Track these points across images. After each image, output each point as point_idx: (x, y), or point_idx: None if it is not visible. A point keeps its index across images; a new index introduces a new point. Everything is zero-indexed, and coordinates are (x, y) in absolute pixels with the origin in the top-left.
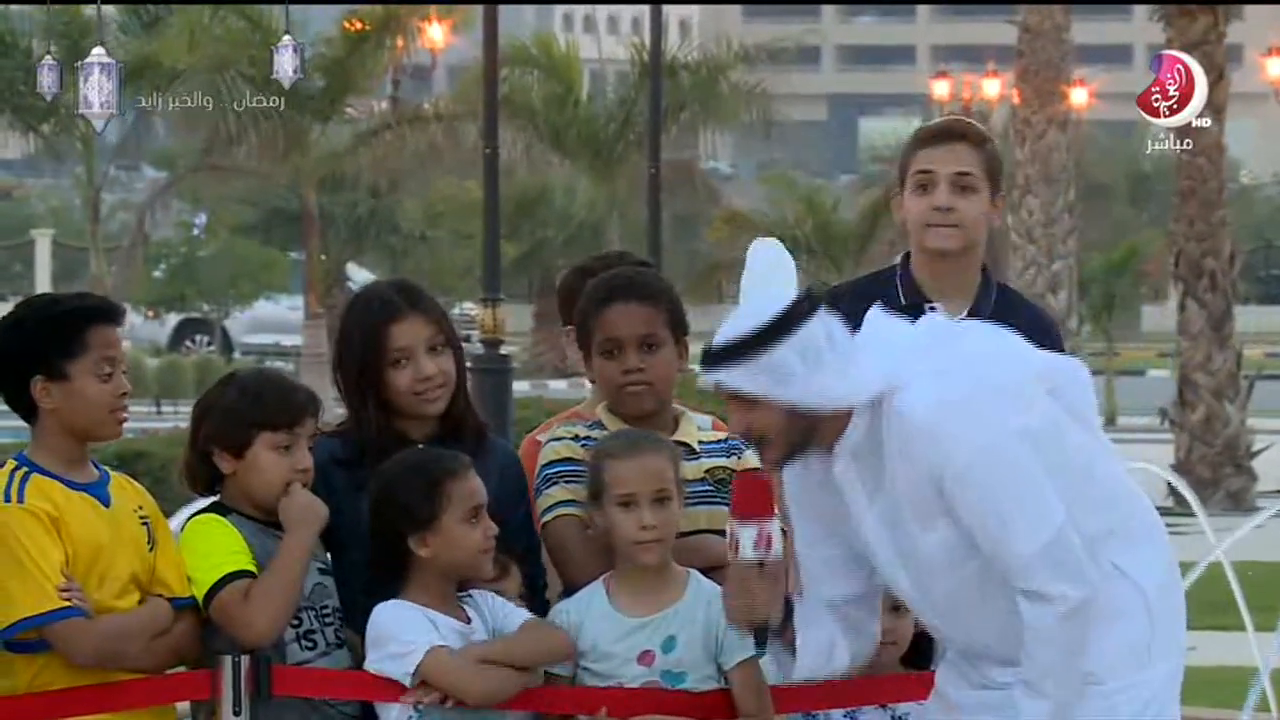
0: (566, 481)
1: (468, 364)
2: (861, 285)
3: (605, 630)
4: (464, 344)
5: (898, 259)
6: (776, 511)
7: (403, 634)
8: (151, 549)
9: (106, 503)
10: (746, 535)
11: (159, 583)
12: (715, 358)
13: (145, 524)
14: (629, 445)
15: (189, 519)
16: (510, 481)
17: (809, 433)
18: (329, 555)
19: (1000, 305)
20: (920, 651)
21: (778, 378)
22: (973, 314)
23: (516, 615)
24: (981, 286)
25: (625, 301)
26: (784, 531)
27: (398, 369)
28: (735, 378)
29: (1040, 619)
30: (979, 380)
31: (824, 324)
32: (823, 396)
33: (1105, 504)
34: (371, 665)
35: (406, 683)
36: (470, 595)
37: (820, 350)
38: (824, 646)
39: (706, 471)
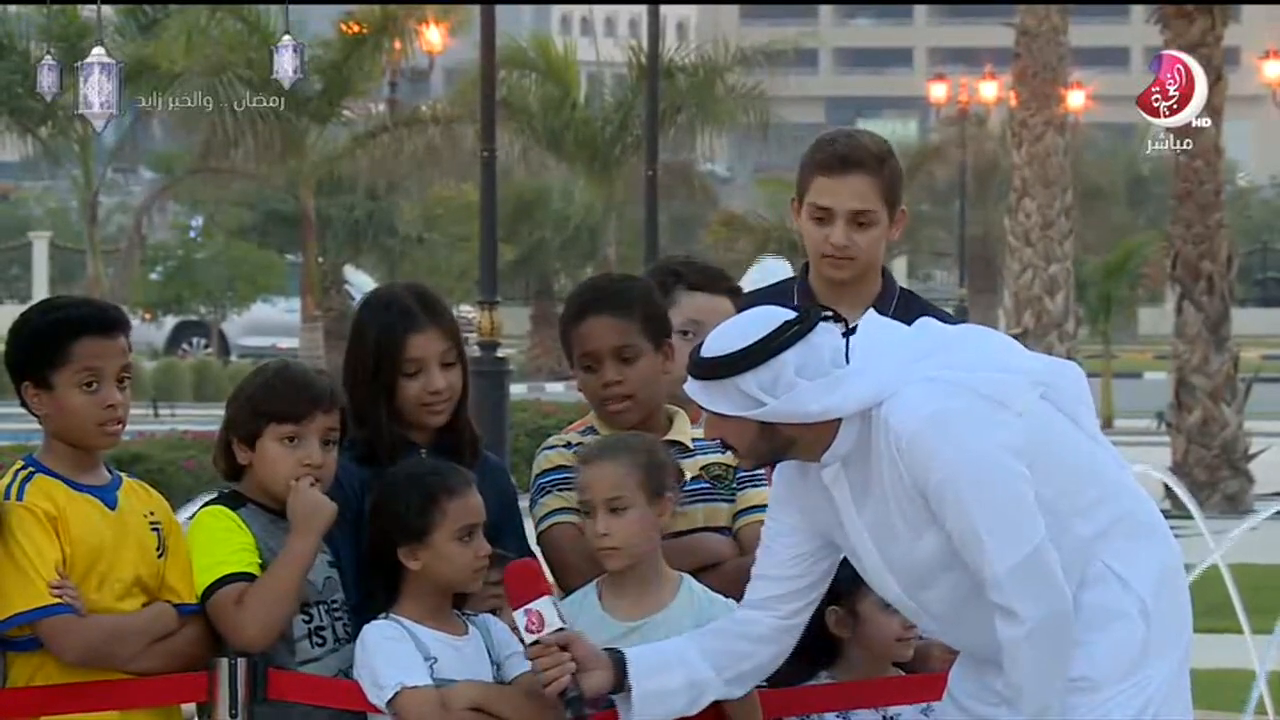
0: (560, 489)
1: None
2: (762, 295)
3: (595, 633)
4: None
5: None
6: (547, 588)
7: (381, 666)
8: (161, 555)
9: (112, 505)
10: (519, 623)
11: (168, 589)
12: (690, 368)
13: (156, 530)
14: (593, 453)
15: (199, 508)
16: (500, 494)
17: (785, 446)
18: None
19: (898, 312)
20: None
21: (743, 401)
22: None
23: (519, 661)
24: (880, 294)
25: (598, 315)
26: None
27: (409, 379)
28: (703, 395)
29: (1009, 635)
30: (968, 388)
31: (805, 351)
32: (796, 415)
33: (1100, 504)
34: (359, 679)
35: (385, 711)
36: (480, 617)
37: (790, 381)
38: (676, 690)
39: (702, 469)
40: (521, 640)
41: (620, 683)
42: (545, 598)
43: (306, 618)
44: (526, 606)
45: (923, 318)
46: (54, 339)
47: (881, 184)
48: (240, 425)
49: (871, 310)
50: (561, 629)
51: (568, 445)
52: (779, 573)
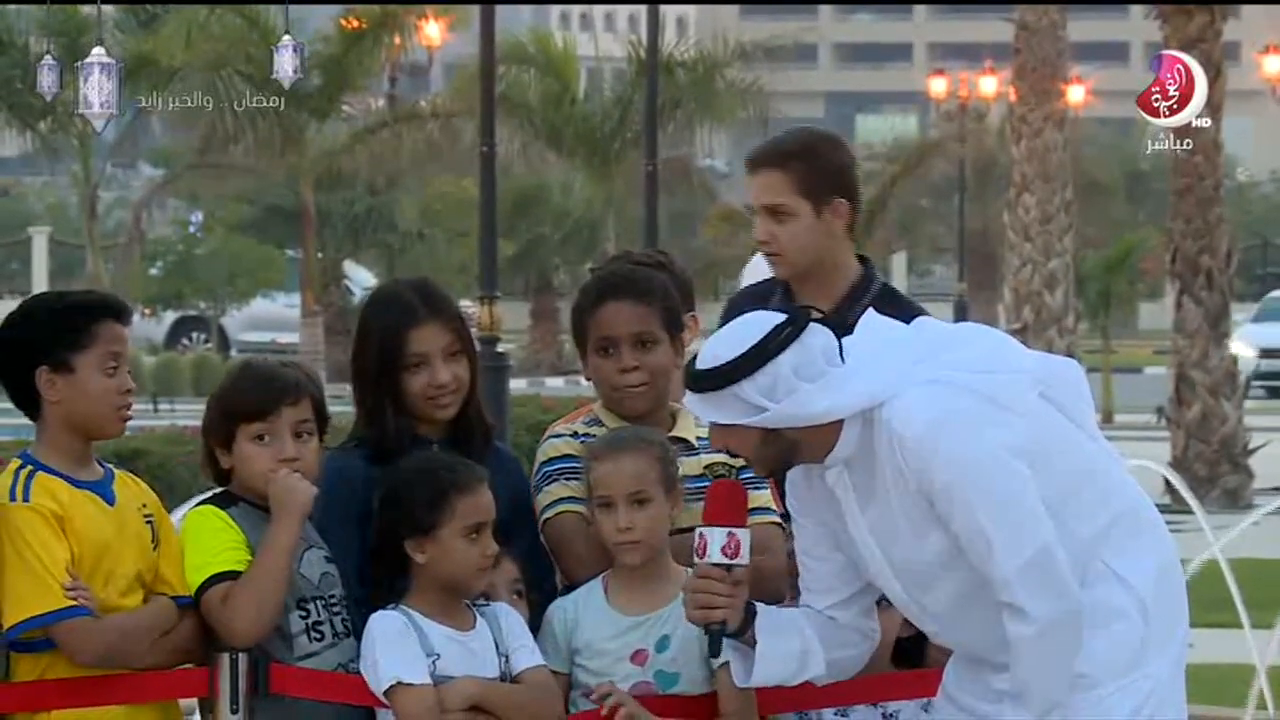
0: (566, 478)
1: None
2: (746, 295)
3: (600, 627)
4: None
5: None
6: (747, 521)
7: (382, 659)
8: (155, 547)
9: (111, 500)
10: (715, 539)
11: (162, 581)
12: (688, 382)
13: (149, 522)
14: (610, 446)
15: (190, 509)
16: (513, 487)
17: (790, 451)
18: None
19: (875, 306)
20: (911, 650)
21: (743, 408)
22: (839, 312)
23: (527, 655)
24: (855, 287)
25: (618, 300)
26: (785, 527)
27: (413, 373)
28: (702, 406)
29: (1018, 633)
30: (970, 390)
31: (800, 353)
32: (798, 418)
33: (1100, 503)
34: (361, 668)
35: (382, 699)
36: (490, 605)
37: (790, 384)
38: (792, 655)
39: (705, 467)
40: (695, 558)
41: (744, 632)
42: (746, 530)
43: (303, 613)
44: (730, 529)
45: (920, 318)
46: (78, 322)
47: (794, 177)
48: (215, 430)
49: (871, 310)
50: (746, 566)
51: (575, 435)
52: (826, 584)
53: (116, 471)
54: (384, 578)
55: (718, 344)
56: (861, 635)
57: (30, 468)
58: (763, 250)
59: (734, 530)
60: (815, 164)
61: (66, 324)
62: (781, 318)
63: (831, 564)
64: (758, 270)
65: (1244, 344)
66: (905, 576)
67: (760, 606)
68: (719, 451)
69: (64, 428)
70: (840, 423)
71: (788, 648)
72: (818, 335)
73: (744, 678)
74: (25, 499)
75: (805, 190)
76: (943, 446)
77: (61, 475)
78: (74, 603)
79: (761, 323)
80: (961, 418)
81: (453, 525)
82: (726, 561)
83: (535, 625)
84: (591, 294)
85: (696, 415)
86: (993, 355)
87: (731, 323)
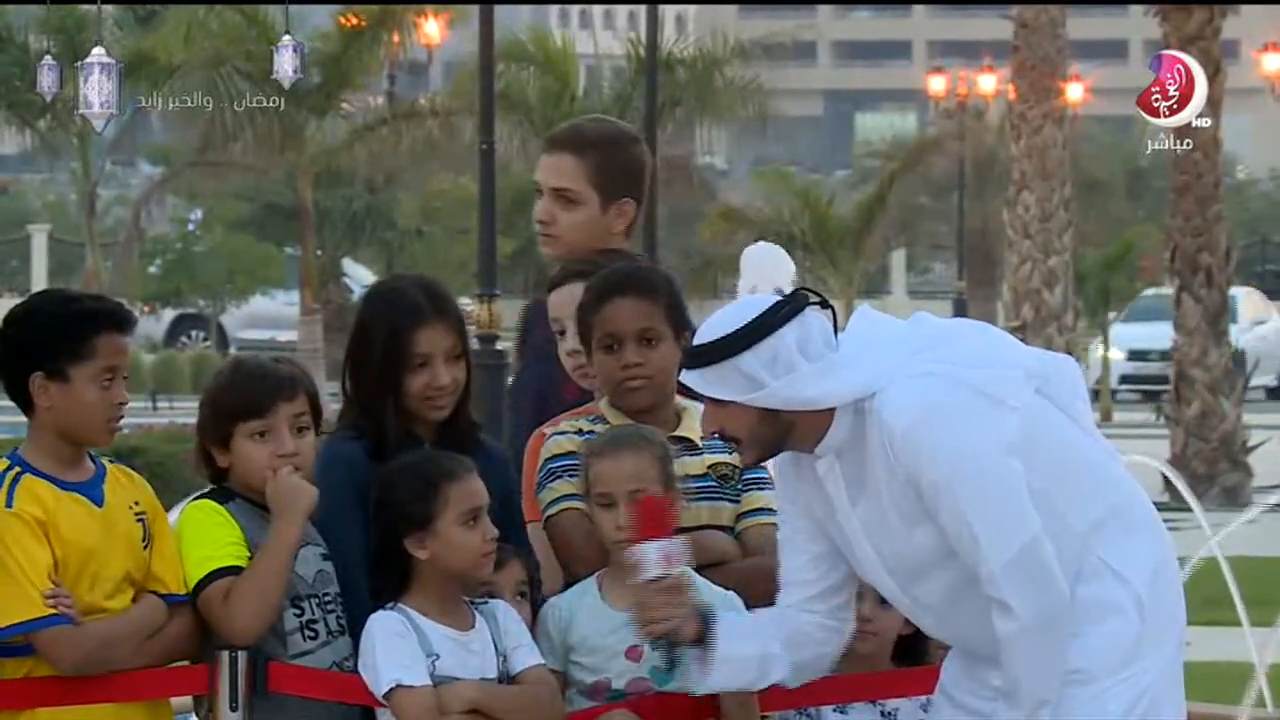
0: (570, 475)
1: None
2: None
3: (595, 623)
4: None
5: None
6: (676, 531)
7: (381, 661)
8: (147, 546)
9: (100, 502)
10: (650, 554)
11: (154, 579)
12: (687, 359)
13: (141, 520)
14: (610, 444)
15: (187, 504)
16: (502, 486)
17: (785, 433)
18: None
19: None
20: (912, 647)
21: (743, 384)
22: None
23: (525, 654)
24: None
25: (623, 296)
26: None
27: (415, 373)
28: (701, 382)
29: (1005, 630)
30: (962, 384)
31: (800, 330)
32: (794, 400)
33: (1095, 497)
34: (361, 669)
35: (383, 702)
36: (489, 604)
37: (790, 359)
38: (749, 660)
39: (709, 467)
40: (636, 571)
41: (703, 639)
42: (680, 539)
43: (298, 611)
44: (662, 541)
45: (918, 313)
46: (80, 331)
47: (587, 166)
48: (211, 429)
49: (865, 305)
50: (683, 573)
51: (579, 432)
52: (801, 576)
53: (110, 468)
54: (388, 584)
55: (717, 321)
56: (829, 631)
57: (17, 470)
58: (539, 228)
59: (665, 543)
60: (612, 158)
61: (67, 333)
62: (779, 298)
63: (807, 555)
64: (754, 261)
65: (1112, 346)
66: (897, 570)
67: (719, 613)
68: (722, 451)
69: (53, 432)
70: (832, 410)
71: (744, 653)
72: (815, 318)
73: (699, 684)
74: (8, 504)
75: (597, 182)
76: (932, 439)
77: (49, 477)
78: (53, 611)
79: (760, 302)
80: (952, 411)
81: (448, 514)
82: (664, 572)
83: (532, 626)
84: (595, 292)
85: (692, 387)
86: (988, 350)
87: (728, 305)
